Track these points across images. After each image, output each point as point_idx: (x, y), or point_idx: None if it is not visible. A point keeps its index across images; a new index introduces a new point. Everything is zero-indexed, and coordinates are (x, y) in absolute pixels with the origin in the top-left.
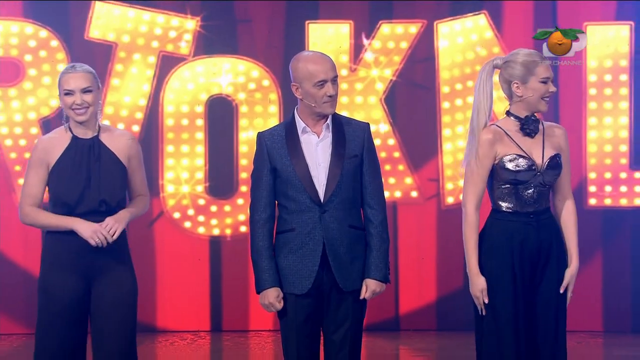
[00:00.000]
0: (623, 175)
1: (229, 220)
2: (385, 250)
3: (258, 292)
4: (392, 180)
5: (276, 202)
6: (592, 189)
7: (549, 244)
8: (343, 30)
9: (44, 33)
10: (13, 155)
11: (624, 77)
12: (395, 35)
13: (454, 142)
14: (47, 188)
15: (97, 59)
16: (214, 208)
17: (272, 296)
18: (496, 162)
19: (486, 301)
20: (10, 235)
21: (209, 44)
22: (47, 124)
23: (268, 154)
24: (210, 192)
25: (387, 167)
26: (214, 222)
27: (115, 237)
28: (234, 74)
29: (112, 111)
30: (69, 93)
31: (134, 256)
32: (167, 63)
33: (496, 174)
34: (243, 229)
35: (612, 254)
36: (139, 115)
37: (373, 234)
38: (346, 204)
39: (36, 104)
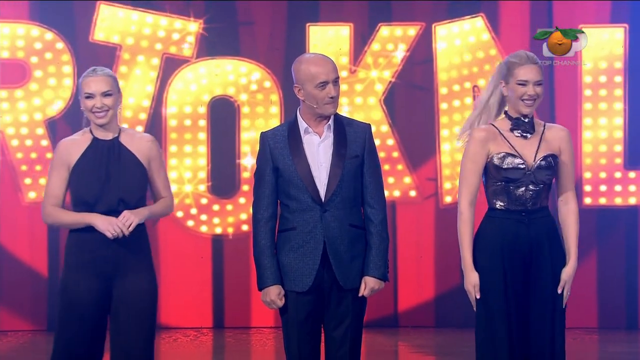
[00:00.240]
0: (618, 174)
1: (231, 219)
2: (384, 249)
3: (260, 289)
4: (391, 180)
5: (278, 201)
6: (587, 188)
7: (541, 242)
8: (343, 33)
9: (49, 35)
10: (19, 155)
11: (619, 79)
12: (394, 37)
13: (451, 143)
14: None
15: (102, 60)
16: (216, 207)
17: (274, 293)
18: (488, 160)
19: (477, 296)
20: (17, 233)
21: (212, 46)
22: (52, 125)
23: (271, 154)
24: (212, 192)
25: (386, 167)
26: (216, 220)
27: (131, 229)
28: (236, 76)
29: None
30: (89, 96)
31: None
32: (171, 65)
33: (489, 172)
34: (245, 227)
35: (607, 252)
36: (143, 116)
37: (373, 232)
38: (347, 203)
39: (42, 105)
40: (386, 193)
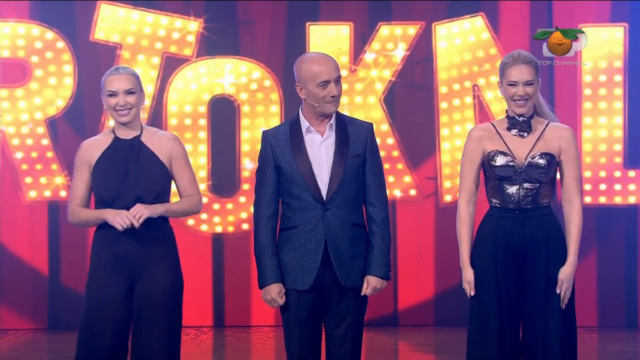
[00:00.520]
0: (617, 173)
1: (231, 218)
2: (386, 248)
3: (261, 288)
4: (391, 179)
5: (280, 199)
6: (587, 187)
7: (537, 241)
8: (343, 32)
9: (50, 35)
10: (20, 154)
11: (619, 78)
12: (394, 36)
13: (451, 142)
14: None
15: (102, 60)
16: (216, 206)
17: (275, 291)
18: (483, 157)
19: (472, 293)
20: (17, 232)
21: (212, 45)
22: (53, 124)
23: (272, 152)
24: (213, 190)
25: (387, 166)
26: (216, 219)
27: (141, 220)
28: (236, 75)
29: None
30: (112, 94)
31: None
32: (171, 64)
33: (485, 170)
34: (245, 226)
35: (606, 251)
36: (143, 115)
37: (375, 231)
38: (348, 202)
39: (42, 104)
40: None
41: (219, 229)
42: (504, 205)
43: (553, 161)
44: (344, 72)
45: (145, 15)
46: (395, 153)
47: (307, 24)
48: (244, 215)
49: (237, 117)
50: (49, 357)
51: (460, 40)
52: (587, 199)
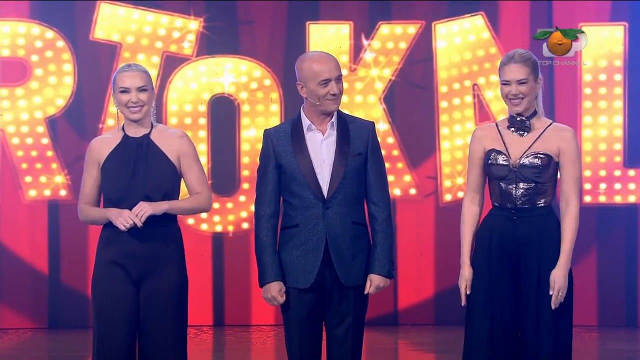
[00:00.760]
0: (617, 173)
1: (231, 217)
2: (389, 247)
3: (261, 286)
4: (391, 178)
5: (281, 198)
6: (587, 186)
7: (531, 242)
8: (343, 31)
9: (50, 34)
10: (20, 153)
11: (619, 77)
12: (394, 35)
13: (451, 141)
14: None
15: (102, 59)
16: (216, 205)
17: (275, 290)
18: (483, 157)
19: (467, 292)
20: (17, 231)
21: (212, 44)
22: (53, 123)
23: (273, 151)
24: (213, 190)
25: (387, 165)
26: (216, 218)
27: (143, 219)
28: (236, 74)
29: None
30: (124, 91)
31: None
32: (171, 63)
33: (485, 170)
34: (245, 225)
35: (606, 250)
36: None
37: (377, 230)
38: (349, 200)
39: (42, 103)
40: None
41: (219, 228)
42: (502, 204)
43: (550, 162)
44: (344, 72)
45: (145, 15)
46: (395, 152)
47: (307, 23)
48: (244, 214)
49: (237, 116)
50: (49, 356)
51: (460, 40)
52: (587, 198)
